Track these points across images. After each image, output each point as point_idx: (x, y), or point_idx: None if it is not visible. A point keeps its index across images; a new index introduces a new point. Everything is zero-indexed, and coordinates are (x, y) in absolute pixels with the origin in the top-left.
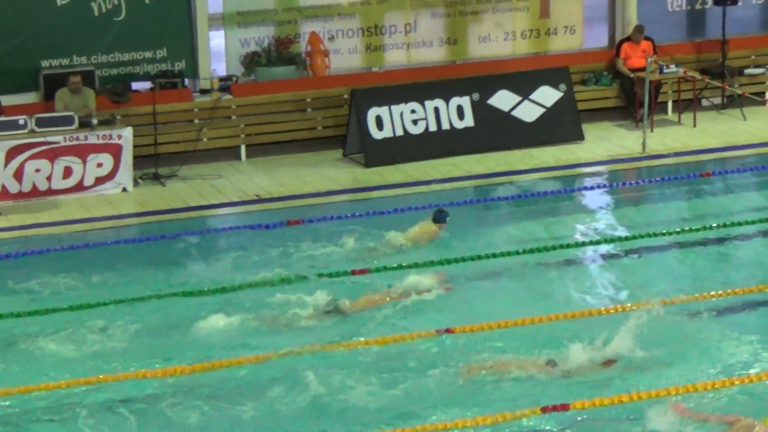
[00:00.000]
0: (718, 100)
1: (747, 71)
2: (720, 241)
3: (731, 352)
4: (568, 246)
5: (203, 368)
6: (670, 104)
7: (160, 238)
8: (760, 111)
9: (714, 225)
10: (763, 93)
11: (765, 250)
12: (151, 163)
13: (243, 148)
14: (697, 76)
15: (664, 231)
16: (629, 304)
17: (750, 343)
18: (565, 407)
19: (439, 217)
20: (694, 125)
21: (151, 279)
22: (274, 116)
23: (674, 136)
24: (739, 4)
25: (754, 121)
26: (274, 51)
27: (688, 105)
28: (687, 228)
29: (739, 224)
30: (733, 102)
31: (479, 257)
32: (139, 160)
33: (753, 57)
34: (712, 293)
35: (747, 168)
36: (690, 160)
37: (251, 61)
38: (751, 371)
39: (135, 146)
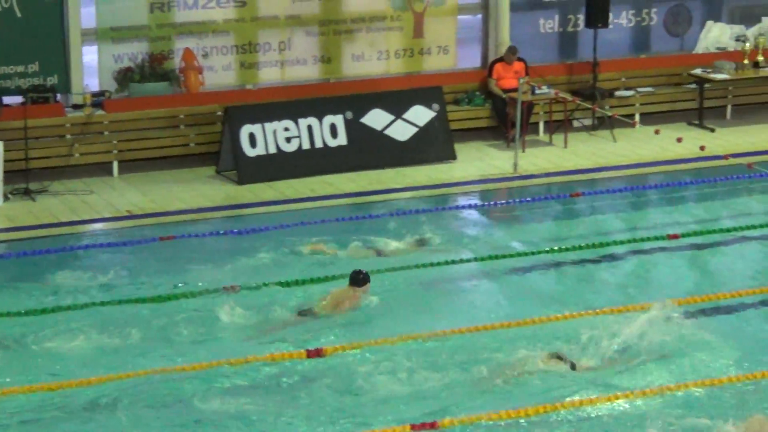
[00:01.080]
0: (589, 122)
1: (617, 93)
2: (589, 261)
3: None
4: (439, 264)
5: (69, 385)
6: (541, 125)
7: (30, 254)
8: (629, 132)
9: (583, 245)
10: (633, 115)
11: (633, 271)
12: (22, 178)
13: (115, 164)
14: (569, 97)
15: (534, 250)
16: (502, 323)
17: (626, 364)
18: (433, 425)
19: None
20: (565, 146)
21: (21, 295)
22: (147, 132)
23: (545, 157)
24: (610, 27)
25: (624, 142)
26: (147, 67)
27: (560, 126)
28: (556, 248)
29: (608, 244)
30: (603, 123)
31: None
32: (9, 175)
33: (623, 79)
34: (583, 312)
35: (616, 189)
36: (561, 180)
37: (125, 77)
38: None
39: (5, 161)
